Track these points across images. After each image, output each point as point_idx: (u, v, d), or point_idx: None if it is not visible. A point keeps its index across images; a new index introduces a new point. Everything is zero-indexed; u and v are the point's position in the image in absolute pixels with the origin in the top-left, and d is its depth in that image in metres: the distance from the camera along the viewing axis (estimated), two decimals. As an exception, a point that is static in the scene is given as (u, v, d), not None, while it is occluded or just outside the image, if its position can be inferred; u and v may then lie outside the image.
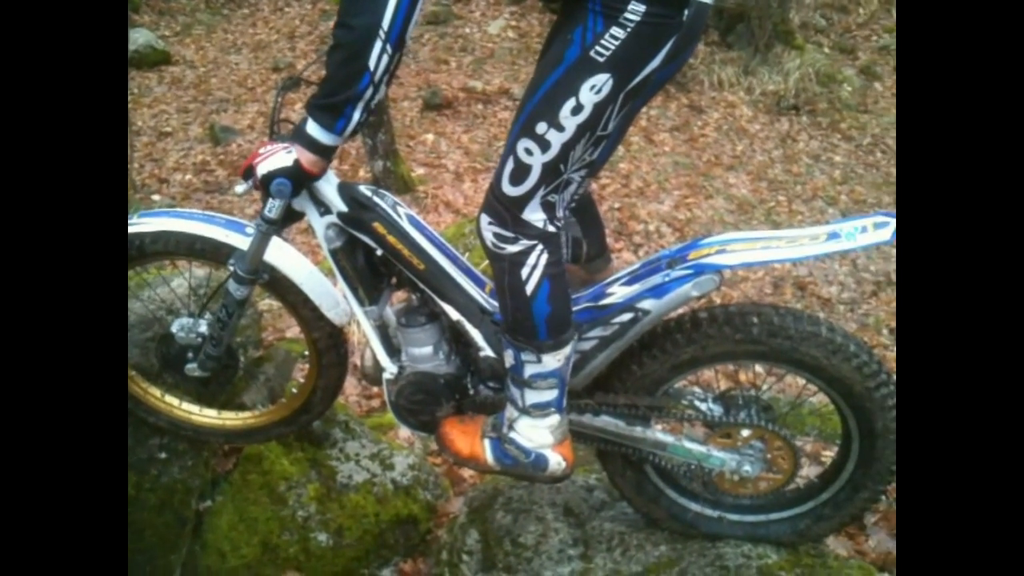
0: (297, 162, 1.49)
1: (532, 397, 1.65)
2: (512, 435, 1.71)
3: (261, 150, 1.53)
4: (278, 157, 1.50)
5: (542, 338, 1.59)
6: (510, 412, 1.71)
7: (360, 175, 5.94)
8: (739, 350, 1.65)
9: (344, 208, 1.66)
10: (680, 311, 1.69)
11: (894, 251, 5.61)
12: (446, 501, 2.43)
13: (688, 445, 1.76)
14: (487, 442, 1.75)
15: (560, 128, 1.42)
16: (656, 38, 1.39)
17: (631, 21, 1.35)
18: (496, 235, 1.54)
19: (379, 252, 1.70)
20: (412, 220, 1.73)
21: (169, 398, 2.07)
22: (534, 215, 1.52)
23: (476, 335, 1.73)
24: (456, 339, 1.81)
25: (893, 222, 1.51)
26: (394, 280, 1.80)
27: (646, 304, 1.63)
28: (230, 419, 2.13)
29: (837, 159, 7.04)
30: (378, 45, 1.33)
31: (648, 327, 1.67)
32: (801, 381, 1.75)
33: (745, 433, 1.74)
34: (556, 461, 1.71)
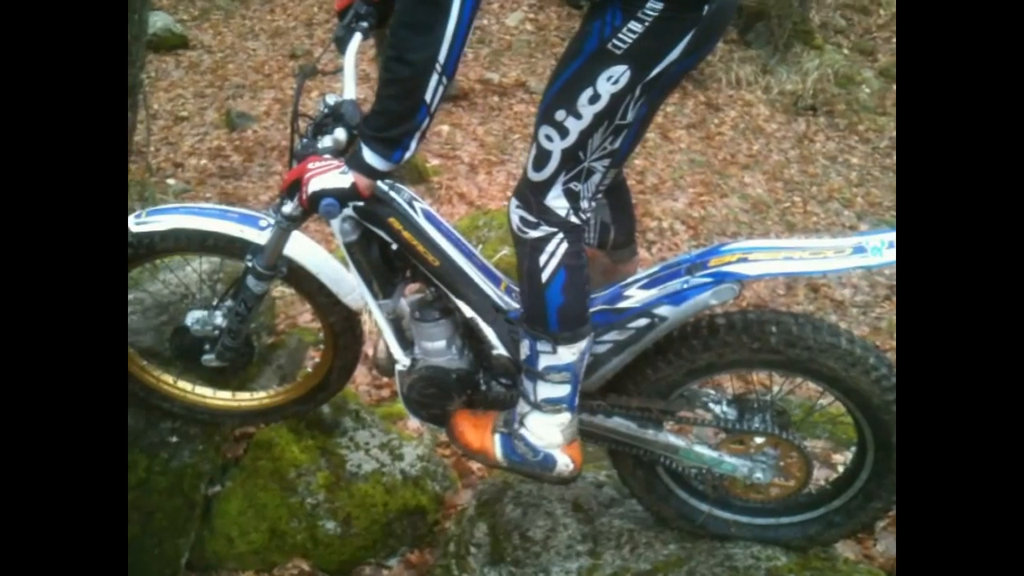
0: (354, 185, 1.48)
1: (545, 391, 1.65)
2: (522, 431, 1.71)
3: (310, 165, 1.50)
4: (332, 177, 1.48)
5: (553, 328, 1.59)
6: (521, 407, 1.71)
7: (374, 164, 5.93)
8: (756, 358, 1.63)
9: (360, 202, 1.65)
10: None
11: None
12: (454, 493, 2.43)
13: (699, 450, 1.75)
14: (497, 437, 1.75)
15: (578, 116, 1.44)
16: (674, 32, 1.40)
17: (649, 16, 1.36)
18: (521, 219, 1.57)
19: (394, 246, 1.70)
20: (428, 215, 1.73)
21: (182, 383, 2.08)
22: (557, 202, 1.54)
23: (489, 333, 1.73)
24: (469, 335, 1.80)
25: None
26: (409, 273, 1.79)
27: (663, 310, 1.62)
28: (245, 400, 2.13)
29: (854, 161, 7.00)
30: (435, 78, 1.34)
31: (664, 333, 1.66)
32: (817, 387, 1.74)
33: (759, 441, 1.73)
34: (564, 463, 1.71)
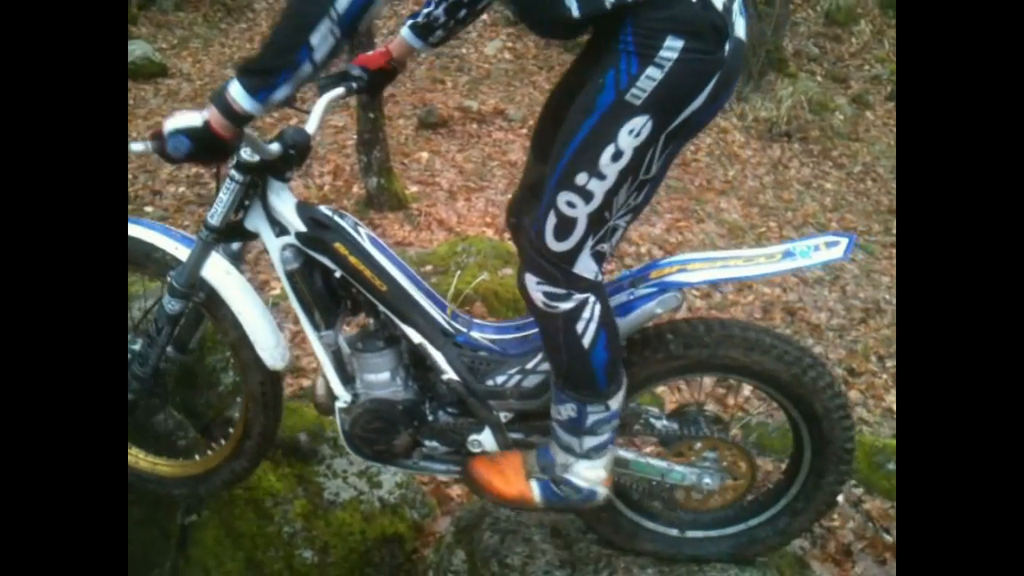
0: (207, 123, 1.40)
1: (592, 441, 1.64)
2: (568, 476, 1.68)
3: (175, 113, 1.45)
4: (187, 116, 1.41)
5: (602, 388, 1.58)
6: (564, 458, 1.68)
7: (353, 191, 5.95)
8: (664, 369, 1.69)
9: (303, 228, 1.63)
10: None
11: (884, 279, 5.65)
12: (433, 520, 2.42)
13: (649, 461, 1.78)
14: (535, 483, 1.71)
15: (601, 176, 1.39)
16: (696, 77, 1.34)
17: (667, 59, 1.30)
18: (547, 294, 1.50)
19: (338, 274, 1.67)
20: (373, 241, 1.71)
21: (133, 449, 1.99)
22: (586, 267, 1.49)
23: (439, 358, 1.69)
24: (415, 364, 1.77)
25: (844, 241, 1.56)
26: (349, 304, 1.76)
27: None
28: (162, 464, 2.02)
29: (828, 186, 7.11)
30: (326, 24, 1.29)
31: None
32: (774, 406, 1.77)
33: (697, 446, 1.77)
34: (603, 493, 1.70)
